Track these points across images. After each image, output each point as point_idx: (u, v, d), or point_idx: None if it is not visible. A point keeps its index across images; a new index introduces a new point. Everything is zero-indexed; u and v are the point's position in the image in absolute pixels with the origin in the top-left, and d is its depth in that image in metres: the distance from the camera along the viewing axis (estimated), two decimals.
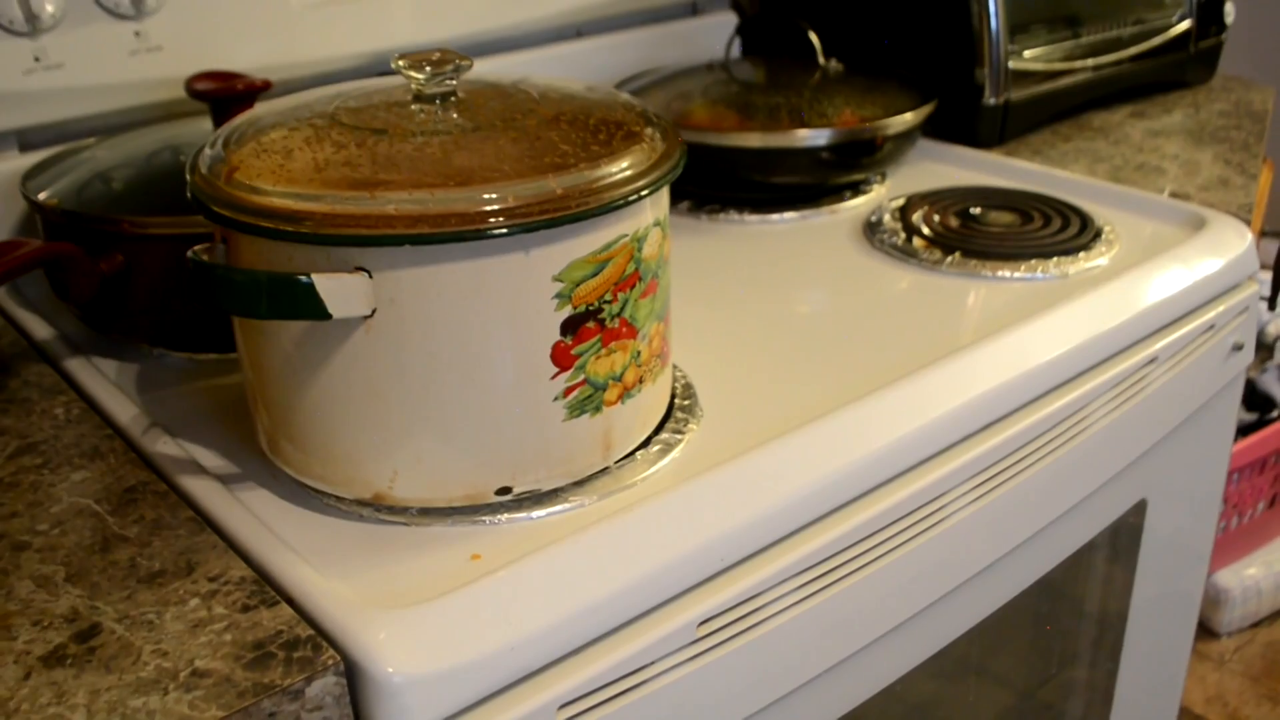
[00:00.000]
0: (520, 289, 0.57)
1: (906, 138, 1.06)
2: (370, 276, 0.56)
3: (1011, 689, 1.01)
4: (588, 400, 0.62)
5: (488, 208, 0.55)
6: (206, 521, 0.63)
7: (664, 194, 0.64)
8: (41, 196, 0.79)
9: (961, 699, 0.93)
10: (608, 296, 0.60)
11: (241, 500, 0.64)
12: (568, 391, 0.61)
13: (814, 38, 1.14)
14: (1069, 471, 0.84)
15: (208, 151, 0.62)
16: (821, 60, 1.14)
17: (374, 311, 0.57)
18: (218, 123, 0.84)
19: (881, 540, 0.71)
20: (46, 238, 0.80)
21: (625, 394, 0.63)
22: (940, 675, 0.83)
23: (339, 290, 0.55)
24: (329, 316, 0.55)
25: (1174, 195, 1.04)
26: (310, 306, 0.55)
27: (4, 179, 0.90)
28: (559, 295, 0.58)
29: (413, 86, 0.64)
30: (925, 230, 0.97)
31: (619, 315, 0.61)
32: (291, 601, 0.57)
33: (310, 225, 0.55)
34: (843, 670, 0.73)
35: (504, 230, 0.55)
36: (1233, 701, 1.82)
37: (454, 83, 0.64)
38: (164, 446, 0.69)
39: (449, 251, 0.56)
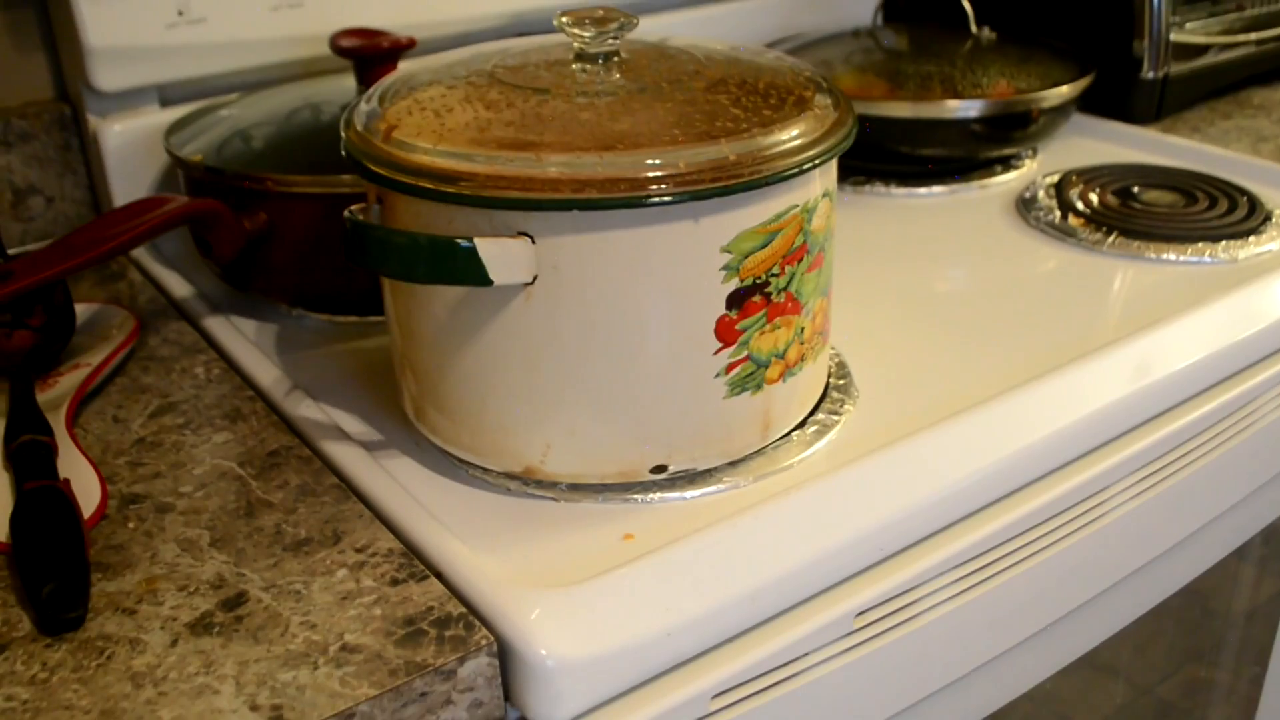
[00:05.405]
0: (687, 259, 0.55)
1: (1061, 111, 1.01)
2: (533, 242, 0.54)
3: (1129, 684, 0.97)
4: (749, 378, 0.59)
5: (657, 173, 0.52)
6: (352, 489, 0.61)
7: (833, 164, 0.61)
8: (184, 152, 0.78)
9: (1081, 693, 0.89)
10: (775, 269, 0.57)
11: (387, 469, 0.62)
12: (730, 368, 0.58)
13: (966, 4, 1.10)
14: (1234, 466, 0.80)
15: (363, 107, 0.60)
16: (974, 28, 1.10)
17: (535, 278, 0.54)
18: (361, 80, 0.82)
19: (1040, 535, 0.68)
20: (189, 194, 0.79)
21: (787, 372, 0.61)
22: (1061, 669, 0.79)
23: (501, 255, 0.53)
24: (490, 283, 0.53)
25: None
26: (471, 271, 0.53)
27: (145, 134, 0.89)
28: (727, 267, 0.55)
29: (575, 45, 0.62)
30: (1081, 207, 0.92)
31: (785, 289, 0.58)
32: (441, 576, 0.55)
33: (473, 187, 0.53)
34: (993, 668, 0.70)
35: (674, 197, 0.52)
36: None
37: (617, 42, 0.62)
38: (306, 410, 0.67)
39: (616, 218, 0.53)
